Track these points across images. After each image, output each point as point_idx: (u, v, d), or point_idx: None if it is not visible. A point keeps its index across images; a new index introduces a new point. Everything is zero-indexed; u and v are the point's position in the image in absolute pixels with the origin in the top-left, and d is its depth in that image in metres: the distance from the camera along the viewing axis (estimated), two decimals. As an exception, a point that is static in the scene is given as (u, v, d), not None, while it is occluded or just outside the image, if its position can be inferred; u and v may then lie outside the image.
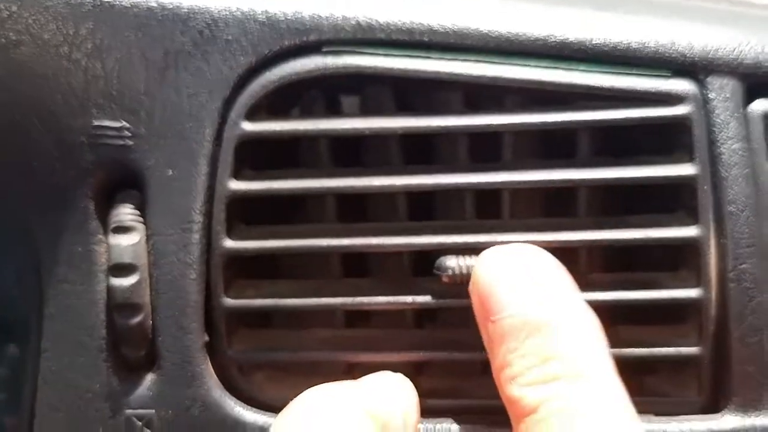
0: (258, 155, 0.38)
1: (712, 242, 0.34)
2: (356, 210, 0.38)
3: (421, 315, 0.37)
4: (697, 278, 0.34)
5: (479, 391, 0.35)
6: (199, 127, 0.36)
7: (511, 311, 0.29)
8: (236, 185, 0.36)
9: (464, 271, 0.33)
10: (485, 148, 0.37)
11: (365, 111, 0.38)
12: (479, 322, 0.31)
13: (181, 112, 0.36)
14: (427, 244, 0.35)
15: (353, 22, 0.36)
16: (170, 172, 0.36)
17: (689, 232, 0.35)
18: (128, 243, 0.35)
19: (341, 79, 0.37)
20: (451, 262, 0.33)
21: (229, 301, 0.36)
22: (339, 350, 0.36)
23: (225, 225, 0.36)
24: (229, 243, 0.36)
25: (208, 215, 0.36)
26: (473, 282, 0.31)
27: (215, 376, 0.36)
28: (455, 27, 0.36)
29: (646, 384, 0.36)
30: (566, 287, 0.30)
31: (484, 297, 0.30)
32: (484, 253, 0.31)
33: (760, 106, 0.36)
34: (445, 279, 0.33)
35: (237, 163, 0.36)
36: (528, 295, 0.29)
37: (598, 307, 0.31)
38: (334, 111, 0.38)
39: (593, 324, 0.29)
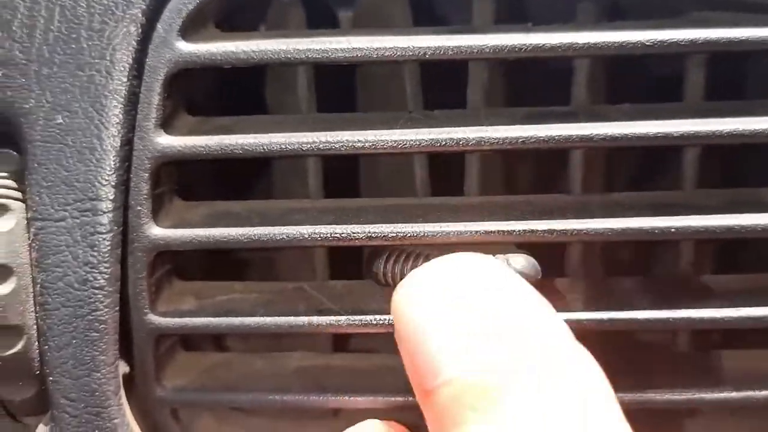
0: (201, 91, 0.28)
1: None
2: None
3: None
4: None
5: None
6: (106, 47, 0.25)
7: (450, 372, 0.19)
8: (168, 141, 0.25)
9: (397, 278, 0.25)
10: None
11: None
12: (413, 386, 0.21)
13: (78, 23, 0.25)
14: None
15: None
16: (60, 120, 0.25)
17: None
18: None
19: None
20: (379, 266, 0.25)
21: (158, 320, 0.26)
22: (318, 389, 0.27)
23: (151, 203, 0.26)
24: (157, 231, 0.26)
25: (124, 188, 0.25)
26: (395, 328, 0.22)
27: (138, 427, 0.28)
28: None
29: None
30: (540, 318, 0.20)
31: (411, 351, 0.21)
32: (404, 283, 0.22)
33: None
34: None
35: (169, 105, 0.26)
36: (478, 342, 0.19)
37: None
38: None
39: (596, 379, 0.19)
